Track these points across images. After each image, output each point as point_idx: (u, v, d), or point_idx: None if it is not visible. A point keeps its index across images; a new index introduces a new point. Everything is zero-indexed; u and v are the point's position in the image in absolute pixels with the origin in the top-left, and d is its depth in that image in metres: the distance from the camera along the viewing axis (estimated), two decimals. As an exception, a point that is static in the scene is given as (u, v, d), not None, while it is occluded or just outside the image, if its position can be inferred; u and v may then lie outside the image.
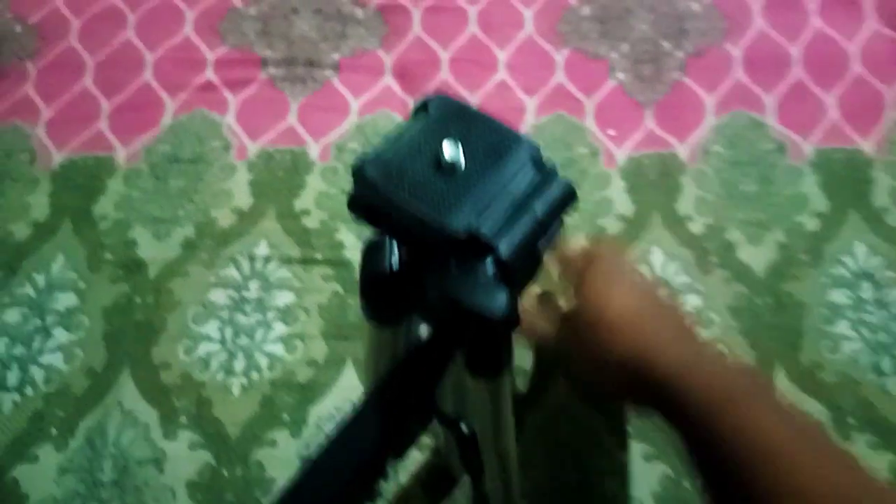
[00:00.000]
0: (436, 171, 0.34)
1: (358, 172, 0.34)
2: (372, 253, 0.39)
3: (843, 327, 0.76)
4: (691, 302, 0.78)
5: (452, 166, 0.34)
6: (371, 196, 0.34)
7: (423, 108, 0.37)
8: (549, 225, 0.35)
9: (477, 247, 0.33)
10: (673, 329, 0.47)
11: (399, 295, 0.39)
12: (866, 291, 0.78)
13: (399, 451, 0.35)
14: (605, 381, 0.47)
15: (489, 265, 0.33)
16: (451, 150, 0.34)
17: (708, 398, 0.40)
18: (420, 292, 0.35)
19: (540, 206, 0.34)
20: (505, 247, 0.33)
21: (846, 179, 0.85)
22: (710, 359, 0.45)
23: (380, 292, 0.40)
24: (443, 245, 0.33)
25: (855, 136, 0.88)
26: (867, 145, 0.87)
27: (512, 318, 0.32)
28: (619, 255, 0.59)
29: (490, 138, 0.36)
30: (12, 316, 0.79)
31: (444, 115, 0.36)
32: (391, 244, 0.39)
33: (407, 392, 0.35)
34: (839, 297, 0.78)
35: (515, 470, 0.58)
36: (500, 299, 0.32)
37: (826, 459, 0.37)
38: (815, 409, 0.72)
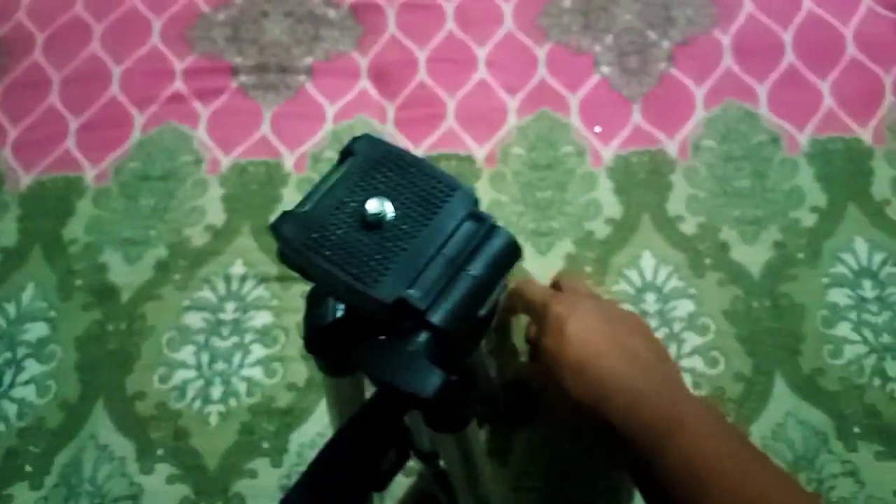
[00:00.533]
0: (361, 227, 0.31)
1: (275, 231, 0.30)
2: (314, 302, 0.36)
3: (844, 329, 0.73)
4: (684, 308, 0.75)
5: (379, 222, 0.31)
6: (292, 255, 0.30)
7: (348, 152, 0.34)
8: (491, 286, 0.31)
9: (407, 315, 0.29)
10: (632, 365, 0.48)
11: (346, 344, 0.36)
12: (868, 290, 0.75)
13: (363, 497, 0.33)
14: (578, 420, 0.48)
15: (422, 336, 0.29)
16: (376, 206, 0.30)
17: (654, 430, 0.42)
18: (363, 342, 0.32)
19: (479, 265, 0.31)
20: (438, 315, 0.30)
21: (844, 171, 0.81)
22: (663, 391, 0.47)
23: (325, 344, 0.37)
24: (369, 314, 0.30)
25: (853, 124, 0.84)
26: (866, 134, 0.83)
27: (448, 396, 0.29)
28: (577, 290, 0.61)
29: (423, 186, 0.32)
30: (-18, 349, 0.77)
31: (371, 160, 0.33)
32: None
33: (356, 459, 0.32)
34: (840, 297, 0.75)
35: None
36: (432, 379, 0.29)
37: (773, 489, 0.40)
38: (817, 418, 0.69)
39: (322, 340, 0.37)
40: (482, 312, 0.31)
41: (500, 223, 0.33)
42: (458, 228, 0.31)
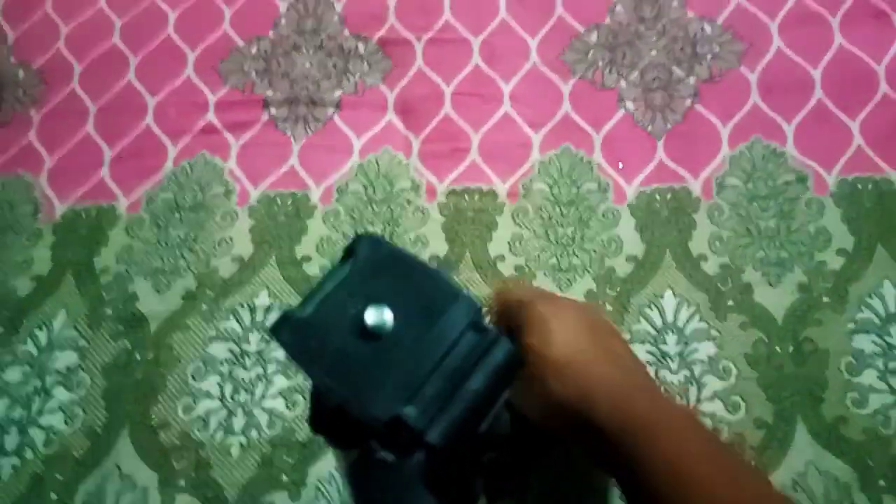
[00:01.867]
0: (359, 336, 0.31)
1: (274, 335, 0.31)
2: (320, 395, 0.37)
3: (870, 377, 0.72)
4: (706, 350, 0.74)
5: (377, 333, 0.30)
6: (291, 356, 0.31)
7: (351, 251, 0.34)
8: (492, 400, 0.31)
9: (403, 433, 0.29)
10: (615, 365, 0.48)
11: (353, 426, 0.36)
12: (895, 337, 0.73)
13: None
14: (554, 425, 0.47)
15: (417, 456, 0.29)
16: (374, 317, 0.30)
17: (639, 430, 0.41)
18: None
19: (479, 379, 0.30)
20: (436, 434, 0.29)
21: (873, 213, 0.80)
22: (645, 392, 0.47)
23: (332, 427, 0.37)
24: (364, 429, 0.30)
25: (883, 164, 0.83)
26: (896, 174, 0.82)
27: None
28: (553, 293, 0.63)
29: (424, 294, 0.32)
30: (13, 375, 0.79)
31: (372, 263, 0.32)
32: None
33: None
34: (866, 343, 0.73)
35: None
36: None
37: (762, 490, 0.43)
38: (838, 468, 0.68)
39: (327, 422, 0.37)
40: (483, 428, 0.31)
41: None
42: (459, 339, 0.31)
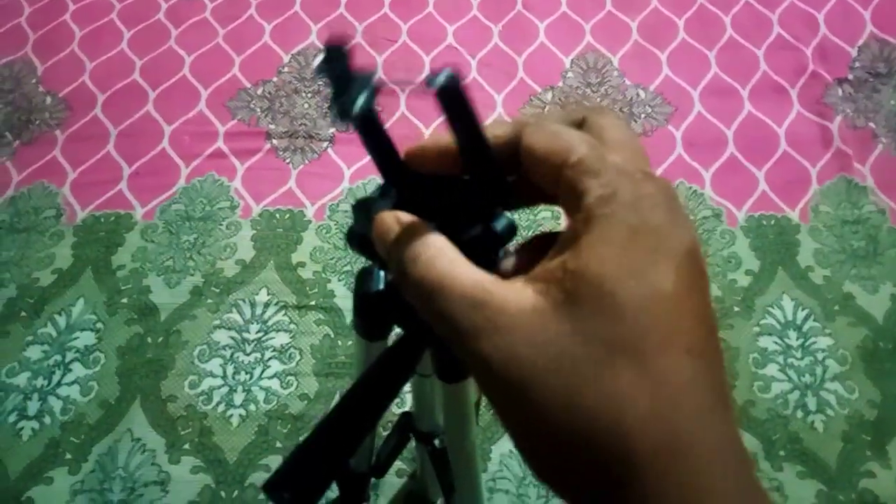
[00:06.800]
0: None
1: (353, 207, 0.39)
2: (363, 278, 0.50)
3: (772, 370, 0.88)
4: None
5: None
6: (356, 227, 0.32)
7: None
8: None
9: None
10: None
11: (384, 311, 0.49)
12: (793, 339, 0.90)
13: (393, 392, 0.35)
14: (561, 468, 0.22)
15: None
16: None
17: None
18: (400, 308, 0.45)
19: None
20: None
21: (775, 243, 0.98)
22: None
23: (369, 309, 0.50)
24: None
25: (783, 204, 1.02)
26: (793, 214, 1.01)
27: None
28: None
29: None
30: (34, 352, 0.88)
31: None
32: (378, 270, 0.49)
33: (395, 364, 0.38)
34: (769, 343, 0.90)
35: (482, 488, 0.67)
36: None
37: None
38: (747, 441, 0.82)
39: (366, 306, 0.50)
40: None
41: None
42: None
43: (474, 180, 0.26)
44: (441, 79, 0.22)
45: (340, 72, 0.24)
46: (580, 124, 0.24)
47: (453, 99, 0.23)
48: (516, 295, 0.21)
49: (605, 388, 0.19)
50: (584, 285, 0.20)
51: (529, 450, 0.21)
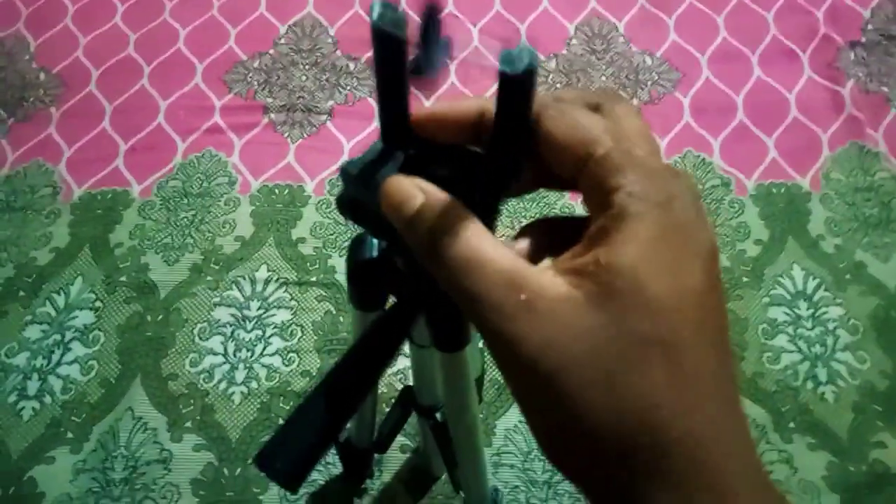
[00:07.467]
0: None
1: (342, 171, 0.36)
2: (357, 246, 0.48)
3: (781, 340, 0.86)
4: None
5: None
6: (348, 193, 0.31)
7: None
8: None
9: None
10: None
11: (378, 279, 0.48)
12: (803, 310, 0.88)
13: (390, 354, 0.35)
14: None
15: None
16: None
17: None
18: (393, 276, 0.43)
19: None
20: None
21: (785, 211, 0.96)
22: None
23: (362, 277, 0.49)
24: None
25: (793, 172, 0.99)
26: (804, 181, 0.98)
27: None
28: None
29: None
30: (33, 332, 0.87)
31: None
32: (371, 238, 0.48)
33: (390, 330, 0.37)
34: (778, 313, 0.88)
35: (484, 461, 0.66)
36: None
37: None
38: (756, 413, 0.81)
39: (360, 274, 0.48)
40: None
41: None
42: None
43: (492, 156, 0.25)
44: (525, 59, 0.20)
45: (429, 29, 0.23)
46: (595, 109, 0.24)
47: (523, 82, 0.21)
48: (550, 282, 0.21)
49: (640, 380, 0.19)
50: (620, 280, 0.20)
51: (548, 435, 0.21)
